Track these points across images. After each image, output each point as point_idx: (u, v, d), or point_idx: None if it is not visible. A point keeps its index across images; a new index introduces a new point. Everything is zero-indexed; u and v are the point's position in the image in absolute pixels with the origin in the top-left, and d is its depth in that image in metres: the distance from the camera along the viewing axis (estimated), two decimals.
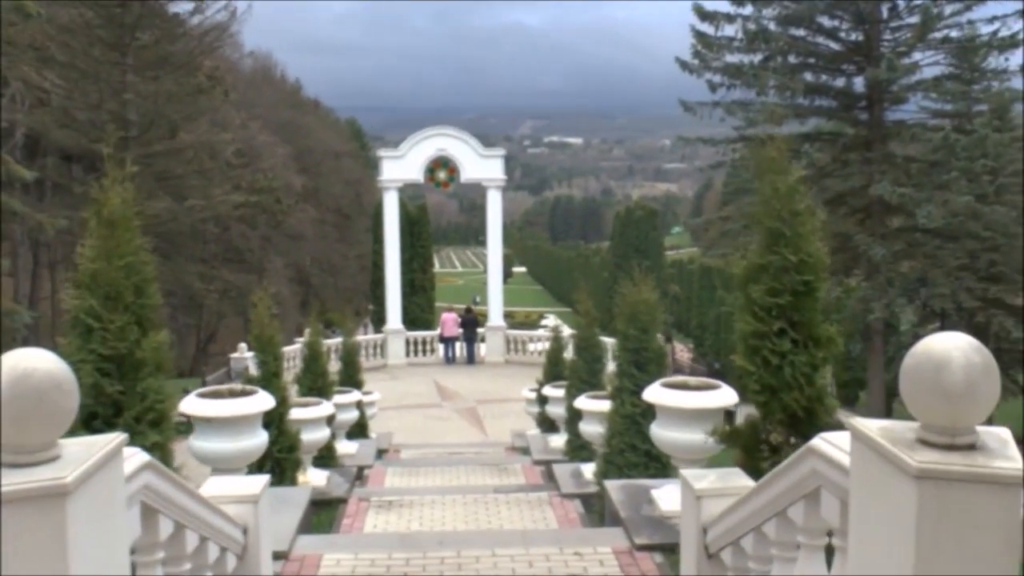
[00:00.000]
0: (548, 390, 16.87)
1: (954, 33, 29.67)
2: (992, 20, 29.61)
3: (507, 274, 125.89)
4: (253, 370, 10.71)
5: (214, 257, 58.33)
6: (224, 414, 7.88)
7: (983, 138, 27.42)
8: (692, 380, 8.53)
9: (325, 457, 13.76)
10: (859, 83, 30.99)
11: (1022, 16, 29.55)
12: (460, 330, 34.98)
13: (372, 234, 52.08)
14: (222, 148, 48.13)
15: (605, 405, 11.45)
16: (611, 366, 15.82)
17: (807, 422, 5.77)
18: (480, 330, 35.63)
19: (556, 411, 16.56)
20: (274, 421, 9.94)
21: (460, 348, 35.22)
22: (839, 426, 6.08)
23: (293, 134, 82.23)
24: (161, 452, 5.99)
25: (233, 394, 8.20)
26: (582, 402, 12.44)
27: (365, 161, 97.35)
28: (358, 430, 18.09)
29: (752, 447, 5.92)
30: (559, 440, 16.22)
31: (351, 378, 18.27)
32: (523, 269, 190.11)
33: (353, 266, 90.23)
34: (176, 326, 65.48)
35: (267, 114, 78.01)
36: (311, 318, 14.98)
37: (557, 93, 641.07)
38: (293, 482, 10.40)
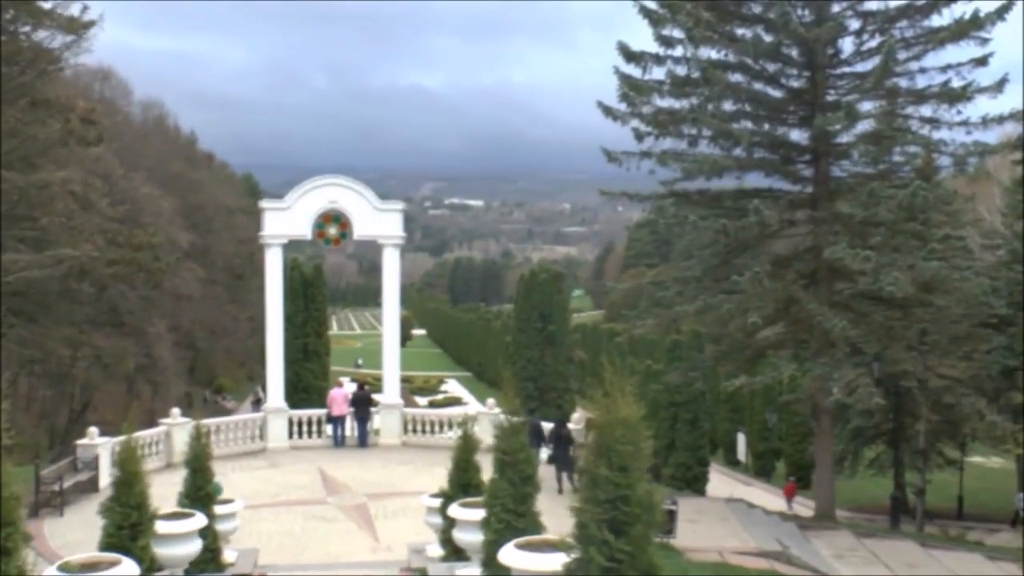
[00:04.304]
0: (456, 511, 12.74)
1: (903, 83, 26.71)
2: (945, 69, 26.76)
3: (406, 337, 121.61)
4: None
5: (87, 320, 52.91)
6: None
7: (948, 194, 24.47)
8: None
9: None
10: (796, 135, 27.90)
11: (977, 65, 26.78)
12: (350, 408, 30.67)
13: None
14: (96, 198, 43.52)
15: (553, 564, 7.59)
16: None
17: None
18: (374, 408, 31.27)
19: (468, 539, 12.50)
20: None
21: (351, 428, 30.88)
22: None
23: (184, 188, 77.69)
24: None
25: None
26: (514, 557, 8.46)
27: (260, 218, 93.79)
28: (210, 556, 13.88)
29: None
30: None
31: (199, 491, 14.01)
32: (423, 332, 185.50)
33: (245, 328, 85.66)
34: (37, 397, 59.56)
35: (155, 166, 73.17)
36: (127, 421, 10.82)
37: (457, 155, 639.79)
38: None
